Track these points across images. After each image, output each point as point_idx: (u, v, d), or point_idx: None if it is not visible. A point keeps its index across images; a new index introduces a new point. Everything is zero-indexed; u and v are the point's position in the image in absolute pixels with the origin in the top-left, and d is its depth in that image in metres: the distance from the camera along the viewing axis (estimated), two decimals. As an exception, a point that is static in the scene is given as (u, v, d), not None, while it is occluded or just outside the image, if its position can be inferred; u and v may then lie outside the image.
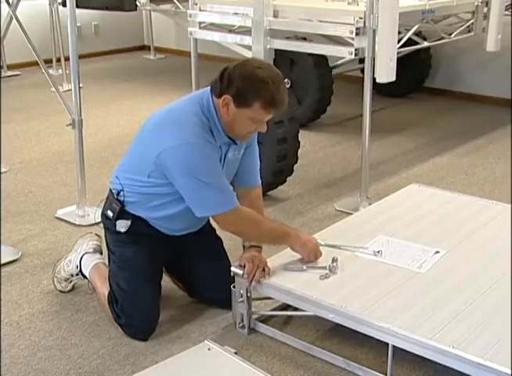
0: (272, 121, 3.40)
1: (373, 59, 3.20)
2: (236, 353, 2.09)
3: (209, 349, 2.07)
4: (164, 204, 2.35)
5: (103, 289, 2.48)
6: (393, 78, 3.20)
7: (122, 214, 2.40)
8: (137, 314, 2.38)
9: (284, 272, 2.37)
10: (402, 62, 3.72)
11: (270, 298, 2.47)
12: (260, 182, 2.54)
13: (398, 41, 3.25)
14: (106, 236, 2.54)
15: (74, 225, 3.32)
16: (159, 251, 2.45)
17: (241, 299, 2.36)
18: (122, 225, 2.41)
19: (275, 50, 3.68)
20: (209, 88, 2.27)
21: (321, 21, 3.45)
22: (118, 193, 2.40)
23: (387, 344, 2.06)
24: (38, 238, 3.21)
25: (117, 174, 2.43)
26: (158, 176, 2.27)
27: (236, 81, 2.17)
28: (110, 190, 2.45)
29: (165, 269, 2.62)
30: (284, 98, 2.22)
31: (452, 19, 4.34)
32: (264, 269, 2.34)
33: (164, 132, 2.23)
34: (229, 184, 2.31)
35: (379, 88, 4.49)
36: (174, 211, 2.34)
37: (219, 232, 2.80)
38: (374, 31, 3.16)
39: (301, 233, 2.46)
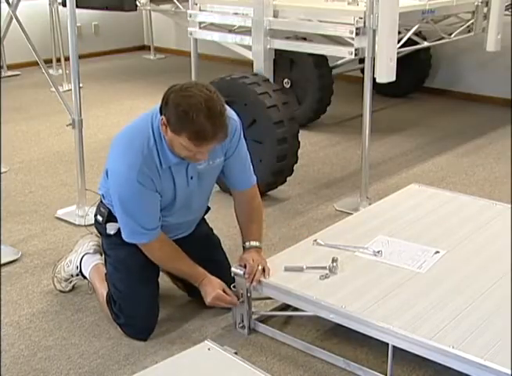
0: (272, 121, 3.41)
1: (373, 59, 3.20)
2: (236, 353, 2.09)
3: (209, 349, 2.07)
4: None
5: (102, 289, 2.48)
6: (393, 78, 3.20)
7: (110, 217, 2.42)
8: (135, 314, 2.38)
9: (284, 272, 2.37)
10: (402, 62, 3.72)
11: (270, 298, 2.47)
12: (254, 181, 2.52)
13: (398, 41, 3.25)
14: (101, 241, 2.57)
15: (74, 225, 3.32)
16: None
17: (241, 299, 2.36)
18: (112, 228, 2.44)
19: (275, 50, 3.68)
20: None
21: (321, 21, 3.45)
22: (104, 198, 2.45)
23: (387, 344, 2.06)
24: (38, 238, 3.21)
25: (101, 179, 2.47)
26: None
27: (169, 106, 2.10)
28: (100, 195, 2.49)
29: (165, 269, 2.62)
30: (216, 131, 2.09)
31: (452, 19, 4.34)
32: (264, 270, 2.34)
33: (115, 152, 2.30)
34: (155, 220, 2.30)
35: (379, 88, 4.50)
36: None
37: (218, 232, 2.80)
38: (374, 31, 3.16)
39: (209, 282, 2.39)
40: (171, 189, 2.32)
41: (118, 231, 2.40)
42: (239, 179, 2.49)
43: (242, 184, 2.49)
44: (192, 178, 2.34)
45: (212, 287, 2.38)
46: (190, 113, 2.06)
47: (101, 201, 2.49)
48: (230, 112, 2.36)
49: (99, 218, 2.48)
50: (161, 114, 2.17)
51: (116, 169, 2.26)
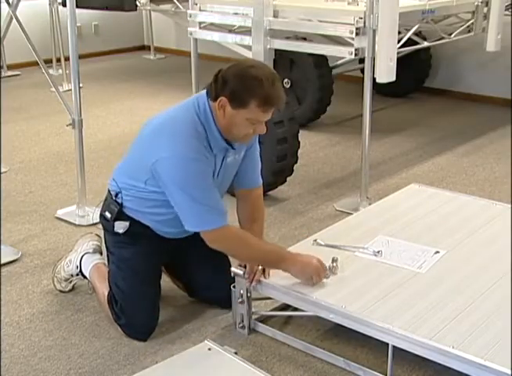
0: (272, 121, 3.41)
1: (373, 59, 3.20)
2: (236, 353, 2.09)
3: (209, 349, 2.07)
4: (161, 210, 2.33)
5: (103, 289, 2.48)
6: (393, 78, 3.20)
7: (120, 215, 2.39)
8: (136, 314, 2.38)
9: (284, 272, 2.37)
10: (402, 62, 3.72)
11: (270, 298, 2.47)
12: (261, 182, 2.53)
13: (398, 41, 3.25)
14: (105, 237, 2.54)
15: (74, 225, 3.32)
16: (158, 251, 2.45)
17: (241, 299, 2.36)
18: (120, 227, 2.41)
19: (275, 50, 3.68)
20: (205, 92, 2.24)
21: (321, 21, 3.45)
22: (116, 195, 2.40)
23: (387, 344, 2.06)
24: (38, 238, 3.21)
25: (114, 176, 2.43)
26: (154, 184, 2.26)
27: (231, 82, 2.14)
28: (109, 191, 2.45)
29: (165, 269, 2.62)
30: (280, 95, 2.18)
31: (452, 19, 4.34)
32: (264, 270, 2.34)
33: (161, 141, 2.20)
34: (221, 202, 2.26)
35: (379, 88, 4.50)
36: (171, 217, 2.32)
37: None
38: (374, 31, 3.16)
39: (300, 257, 2.30)
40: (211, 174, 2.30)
41: (127, 231, 2.39)
42: (249, 177, 2.49)
43: (251, 183, 2.49)
44: (219, 172, 2.32)
45: (310, 262, 2.26)
46: (259, 78, 2.12)
47: (111, 198, 2.42)
48: None
49: (108, 214, 2.43)
50: (216, 98, 2.16)
51: (170, 155, 2.16)
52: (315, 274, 2.26)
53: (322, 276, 2.28)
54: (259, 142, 3.58)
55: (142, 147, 2.28)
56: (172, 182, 2.18)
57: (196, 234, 2.52)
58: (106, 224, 2.47)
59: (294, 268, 2.27)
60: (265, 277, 2.33)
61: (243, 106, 2.14)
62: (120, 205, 2.39)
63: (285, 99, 2.23)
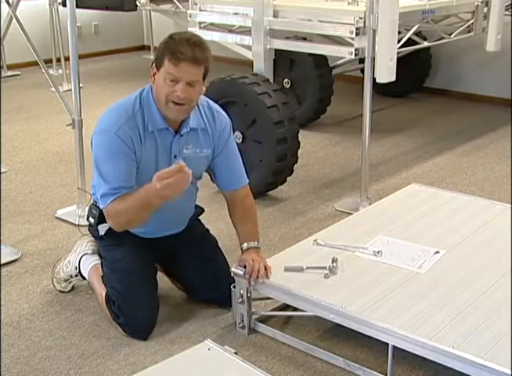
0: (272, 120, 3.41)
1: (373, 59, 3.20)
2: (236, 353, 2.09)
3: (209, 349, 2.07)
4: None
5: (101, 290, 2.48)
6: (393, 78, 3.20)
7: (102, 218, 2.41)
8: (134, 313, 2.38)
9: (284, 272, 2.37)
10: (402, 62, 3.71)
11: (270, 298, 2.47)
12: (245, 182, 2.52)
13: (398, 41, 3.25)
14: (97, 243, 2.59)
15: (74, 225, 3.31)
16: (146, 251, 2.47)
17: (241, 299, 2.36)
18: (103, 229, 2.45)
19: (275, 50, 3.68)
20: None
21: (321, 21, 3.45)
22: (94, 195, 2.44)
23: (387, 344, 2.06)
24: (38, 238, 3.20)
25: (92, 182, 2.47)
26: None
27: (158, 47, 2.26)
28: (91, 196, 2.50)
29: (163, 271, 2.62)
30: (192, 53, 2.18)
31: (452, 19, 4.34)
32: (265, 268, 2.34)
33: (98, 120, 2.34)
34: (127, 183, 2.24)
35: (379, 88, 4.50)
36: None
37: (218, 232, 2.81)
38: (374, 31, 3.16)
39: (148, 185, 2.17)
40: (153, 161, 2.32)
41: (109, 231, 2.41)
42: (228, 179, 2.49)
43: (232, 184, 2.49)
44: (175, 157, 2.34)
45: (153, 180, 2.15)
46: (173, 37, 2.23)
47: (92, 203, 2.48)
48: (221, 110, 2.45)
49: (91, 220, 2.48)
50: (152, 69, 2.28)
51: (98, 129, 2.31)
52: (160, 180, 2.12)
53: (172, 173, 2.12)
54: (259, 142, 3.60)
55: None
56: (94, 153, 2.31)
57: (185, 235, 2.52)
58: (93, 230, 2.52)
59: (154, 195, 2.16)
60: (266, 276, 2.33)
61: (161, 64, 2.23)
62: (100, 208, 2.41)
63: (204, 58, 2.23)
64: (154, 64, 2.27)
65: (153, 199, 2.19)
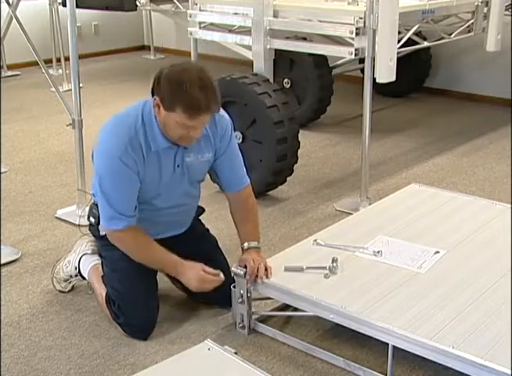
0: (272, 120, 3.41)
1: (373, 59, 3.20)
2: (236, 353, 2.09)
3: (209, 349, 2.07)
4: None
5: (101, 290, 2.48)
6: (393, 78, 3.20)
7: None
8: (134, 313, 2.38)
9: (284, 272, 2.37)
10: (402, 62, 3.72)
11: (270, 298, 2.47)
12: (247, 182, 2.52)
13: (398, 41, 3.25)
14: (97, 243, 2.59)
15: (74, 225, 3.31)
16: None
17: (241, 299, 2.36)
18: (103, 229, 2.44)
19: (275, 50, 3.68)
20: None
21: (321, 21, 3.45)
22: (95, 197, 2.44)
23: (387, 344, 2.06)
24: (38, 238, 3.21)
25: (92, 181, 2.47)
26: None
27: (162, 85, 2.15)
28: (92, 195, 2.50)
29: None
30: (207, 103, 2.13)
31: (452, 19, 4.33)
32: (266, 269, 2.34)
33: (100, 136, 2.29)
34: (131, 206, 2.28)
35: (379, 88, 4.50)
36: (142, 217, 2.35)
37: (218, 232, 2.80)
38: (374, 31, 3.16)
39: (185, 264, 2.33)
40: (157, 175, 2.32)
41: None
42: (231, 180, 2.49)
43: (235, 185, 2.49)
44: (178, 166, 2.34)
45: (193, 271, 2.31)
46: (183, 84, 2.10)
47: (93, 202, 2.48)
48: (222, 111, 2.41)
49: (92, 219, 2.48)
50: (153, 96, 2.19)
51: (100, 149, 2.27)
52: (201, 283, 2.31)
53: (212, 282, 2.32)
54: (259, 142, 3.60)
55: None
56: (95, 174, 2.29)
57: (185, 235, 2.53)
58: (93, 229, 2.52)
59: (183, 278, 2.34)
60: (267, 276, 2.33)
61: (171, 110, 2.15)
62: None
63: (217, 104, 2.19)
64: (158, 98, 2.17)
65: (169, 270, 2.38)
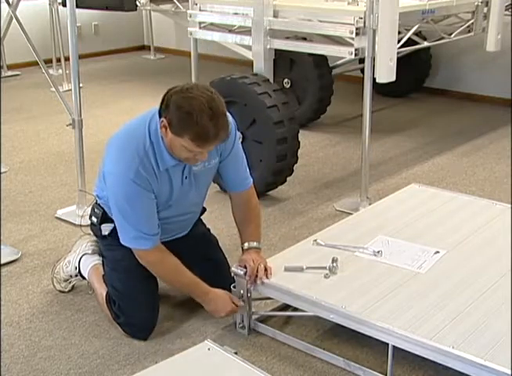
0: (272, 120, 3.41)
1: (373, 59, 3.20)
2: (236, 353, 2.09)
3: (209, 349, 2.07)
4: None
5: (101, 290, 2.48)
6: (393, 78, 3.20)
7: (105, 217, 2.43)
8: (135, 313, 2.38)
9: (284, 272, 2.37)
10: (402, 62, 3.72)
11: (270, 298, 2.47)
12: (250, 182, 2.52)
13: (398, 41, 3.25)
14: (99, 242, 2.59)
15: (74, 225, 3.31)
16: None
17: (241, 299, 2.36)
18: (106, 229, 2.45)
19: (275, 50, 3.68)
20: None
21: (321, 21, 3.45)
22: (99, 198, 2.44)
23: (387, 344, 2.06)
24: (38, 238, 3.21)
25: (96, 182, 2.46)
26: None
27: (170, 109, 2.10)
28: (94, 196, 2.50)
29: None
30: (216, 132, 2.09)
31: (452, 19, 4.33)
32: (265, 269, 2.34)
33: (110, 154, 2.27)
34: (150, 224, 2.27)
35: (379, 88, 4.50)
36: None
37: (218, 232, 2.80)
38: (374, 31, 3.16)
39: (217, 295, 2.36)
40: (168, 190, 2.32)
41: (112, 231, 2.40)
42: (235, 181, 2.49)
43: (238, 186, 2.49)
44: (186, 178, 2.34)
45: (224, 302, 2.34)
46: (194, 114, 2.05)
47: (95, 202, 2.49)
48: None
49: (94, 219, 2.48)
50: (161, 117, 2.16)
51: (112, 171, 2.24)
52: (230, 313, 2.37)
53: (231, 310, 2.36)
54: (259, 142, 3.60)
55: (103, 158, 2.33)
56: (112, 197, 2.27)
57: (190, 234, 2.53)
58: (95, 229, 2.52)
59: (210, 304, 2.37)
60: (267, 277, 2.33)
61: (178, 135, 2.12)
62: (103, 208, 2.42)
63: (226, 130, 2.16)
64: (165, 121, 2.12)
65: (196, 296, 2.39)
